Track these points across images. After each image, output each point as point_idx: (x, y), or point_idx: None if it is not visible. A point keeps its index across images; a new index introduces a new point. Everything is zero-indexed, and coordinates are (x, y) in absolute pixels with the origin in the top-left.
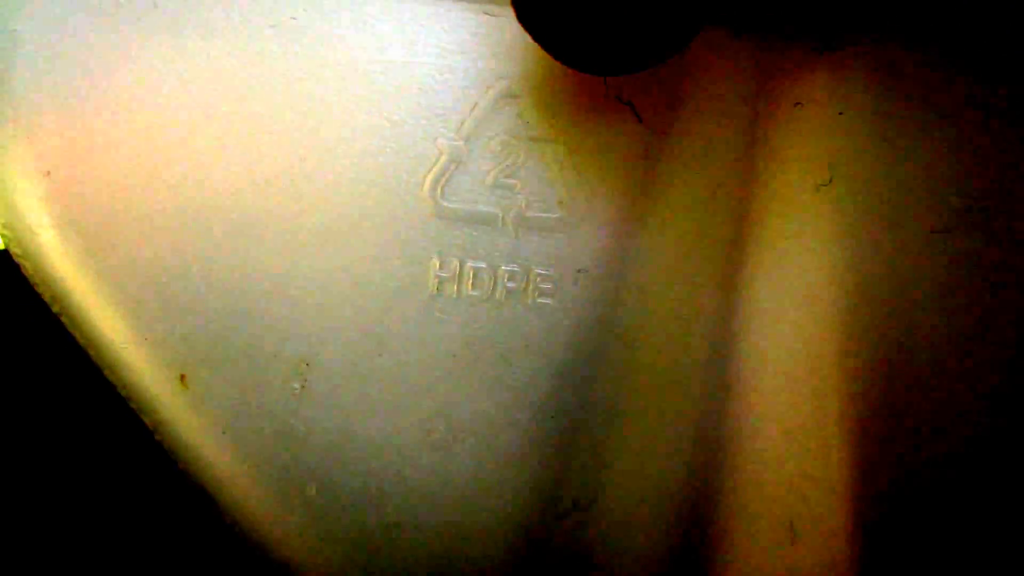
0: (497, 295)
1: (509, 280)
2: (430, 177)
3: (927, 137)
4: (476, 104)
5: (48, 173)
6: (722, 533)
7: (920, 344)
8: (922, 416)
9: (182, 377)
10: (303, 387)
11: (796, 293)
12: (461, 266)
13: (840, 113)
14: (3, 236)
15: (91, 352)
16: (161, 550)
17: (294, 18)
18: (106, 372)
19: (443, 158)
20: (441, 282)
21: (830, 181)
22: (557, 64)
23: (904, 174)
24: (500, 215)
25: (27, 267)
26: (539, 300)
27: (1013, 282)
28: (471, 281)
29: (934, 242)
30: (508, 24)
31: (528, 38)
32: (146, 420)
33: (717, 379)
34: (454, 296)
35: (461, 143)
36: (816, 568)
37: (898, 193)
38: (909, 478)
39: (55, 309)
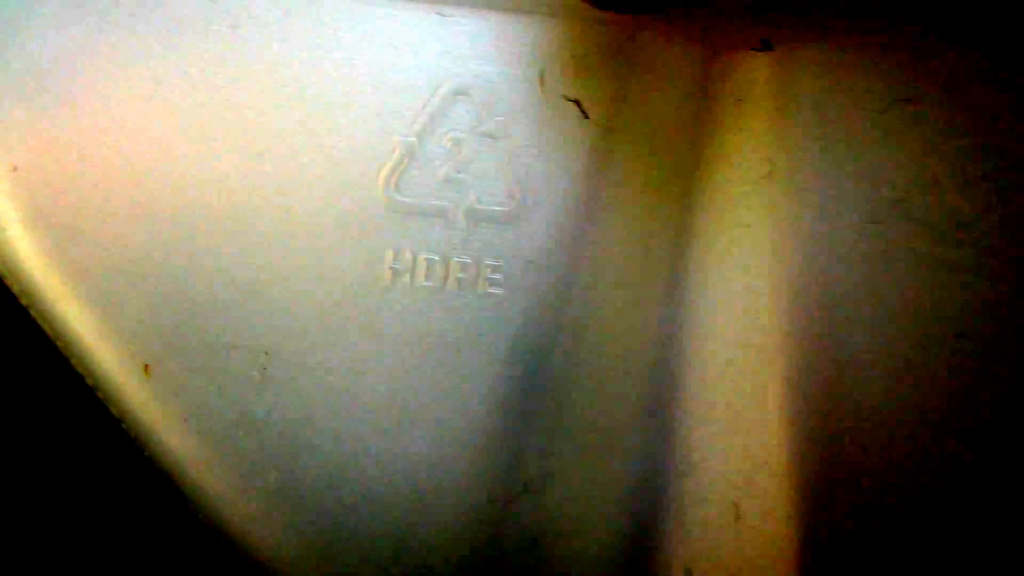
0: (449, 286)
1: (460, 271)
2: (384, 172)
3: (860, 133)
4: (428, 101)
5: (15, 169)
6: (669, 514)
7: (854, 329)
8: (858, 399)
9: (146, 367)
10: (263, 376)
11: (739, 282)
12: (414, 258)
13: (779, 109)
14: None
15: (59, 344)
16: (128, 536)
17: (253, 18)
18: (74, 363)
19: (396, 154)
20: (395, 274)
21: (769, 174)
22: (505, 63)
23: (838, 168)
24: (452, 208)
25: None
26: (489, 290)
27: (937, 267)
28: (424, 273)
29: (866, 232)
30: (459, 24)
31: (479, 38)
32: (113, 409)
33: (664, 366)
34: (408, 287)
35: (414, 139)
36: (759, 545)
37: (832, 185)
38: (846, 458)
39: (24, 302)
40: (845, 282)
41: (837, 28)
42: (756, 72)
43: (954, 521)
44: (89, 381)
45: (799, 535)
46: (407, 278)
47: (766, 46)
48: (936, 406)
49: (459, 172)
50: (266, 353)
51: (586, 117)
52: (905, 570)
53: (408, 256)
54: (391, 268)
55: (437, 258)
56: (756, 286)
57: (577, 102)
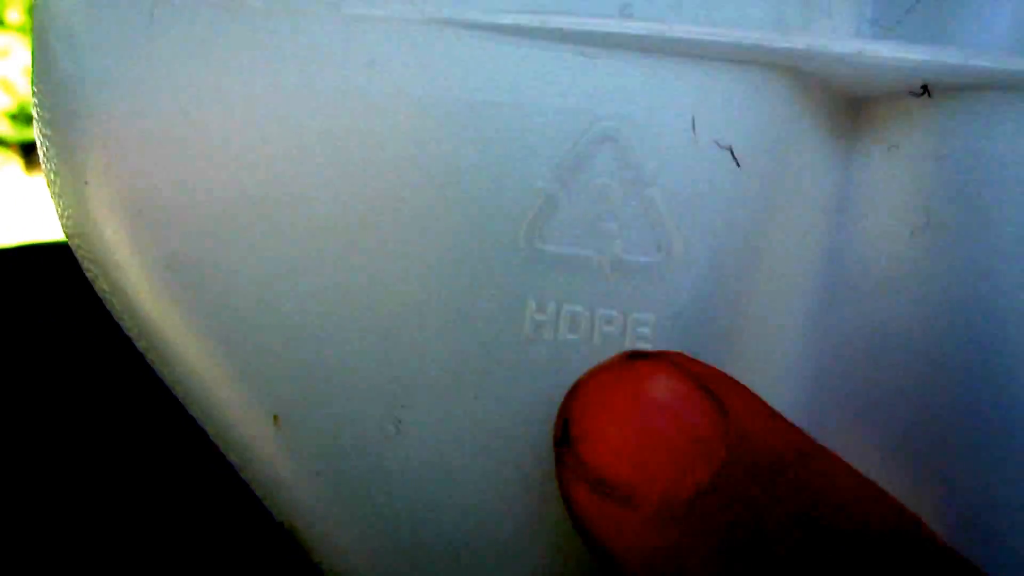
0: (595, 339)
1: (606, 324)
2: (527, 219)
3: (1021, 183)
4: (573, 146)
5: (140, 212)
6: None
7: (1013, 387)
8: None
9: (275, 418)
10: (398, 428)
11: (891, 335)
12: (558, 309)
13: (939, 159)
14: (90, 273)
15: (178, 390)
16: None
17: (390, 57)
18: (193, 409)
19: (540, 200)
20: (538, 325)
21: (928, 225)
22: (654, 107)
23: (999, 221)
24: (597, 258)
25: (115, 304)
26: (637, 344)
27: None
28: (568, 325)
29: None
30: (606, 66)
31: (626, 81)
32: (233, 457)
33: (806, 420)
34: (551, 340)
35: (558, 185)
36: None
37: (992, 240)
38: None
39: (141, 345)
40: (1004, 336)
41: (998, 75)
42: (913, 118)
43: None
44: (209, 428)
45: None
46: (550, 330)
47: (925, 91)
48: None
49: (604, 221)
50: (402, 406)
51: (738, 165)
52: None
53: (551, 307)
54: (533, 319)
55: (582, 310)
56: (910, 337)
57: (730, 149)
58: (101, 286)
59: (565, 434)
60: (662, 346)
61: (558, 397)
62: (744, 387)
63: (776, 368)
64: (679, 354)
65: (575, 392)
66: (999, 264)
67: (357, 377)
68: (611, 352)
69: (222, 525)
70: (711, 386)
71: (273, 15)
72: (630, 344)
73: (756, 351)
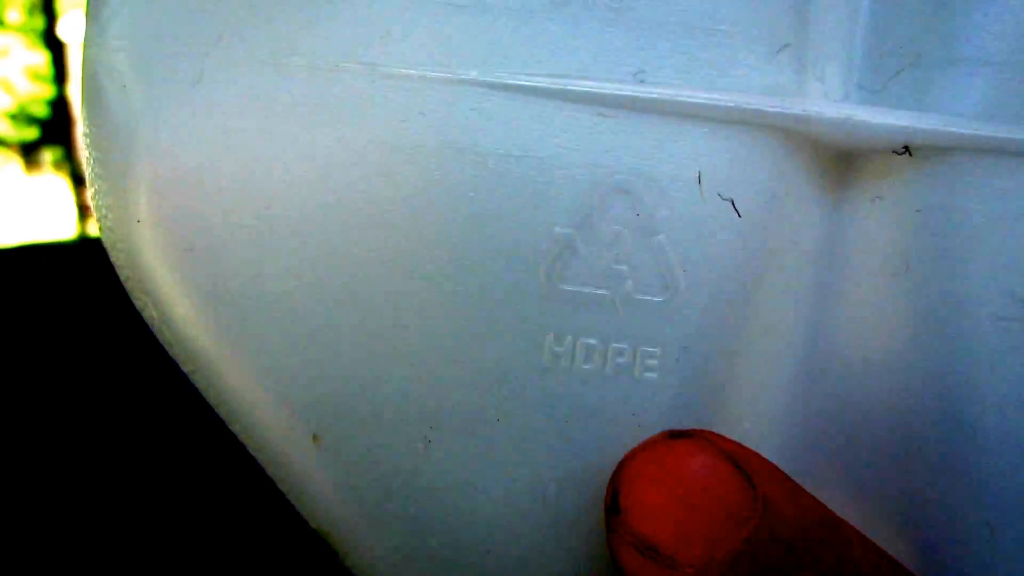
0: (607, 369)
1: (618, 356)
2: (546, 262)
3: (994, 236)
4: (590, 196)
5: (189, 249)
6: None
7: (983, 419)
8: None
9: (315, 437)
10: (426, 447)
11: (874, 368)
12: (575, 342)
13: (917, 211)
14: (139, 302)
15: (222, 410)
16: None
17: (423, 113)
18: (235, 427)
19: (560, 244)
20: (556, 356)
21: (906, 270)
22: (664, 163)
23: (972, 266)
24: (610, 297)
25: (164, 332)
26: (645, 374)
27: None
28: (583, 356)
29: (997, 328)
30: (620, 125)
31: (639, 139)
32: (272, 472)
33: (800, 438)
34: (568, 369)
35: (574, 231)
36: None
37: (967, 283)
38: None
39: (187, 368)
40: (971, 371)
41: (970, 139)
42: (895, 174)
43: None
44: (251, 446)
45: None
46: (567, 361)
47: (907, 151)
48: None
49: (617, 264)
50: (431, 427)
51: (739, 216)
52: None
53: (568, 340)
54: (552, 351)
55: (596, 343)
56: (889, 369)
57: (731, 201)
58: (151, 314)
59: (615, 504)
60: (668, 375)
61: (573, 419)
62: (769, 462)
63: (770, 393)
64: (712, 433)
65: (623, 466)
66: (966, 307)
67: (390, 400)
68: (623, 381)
69: (255, 529)
70: (741, 462)
71: (314, 72)
72: (639, 375)
73: (753, 379)
